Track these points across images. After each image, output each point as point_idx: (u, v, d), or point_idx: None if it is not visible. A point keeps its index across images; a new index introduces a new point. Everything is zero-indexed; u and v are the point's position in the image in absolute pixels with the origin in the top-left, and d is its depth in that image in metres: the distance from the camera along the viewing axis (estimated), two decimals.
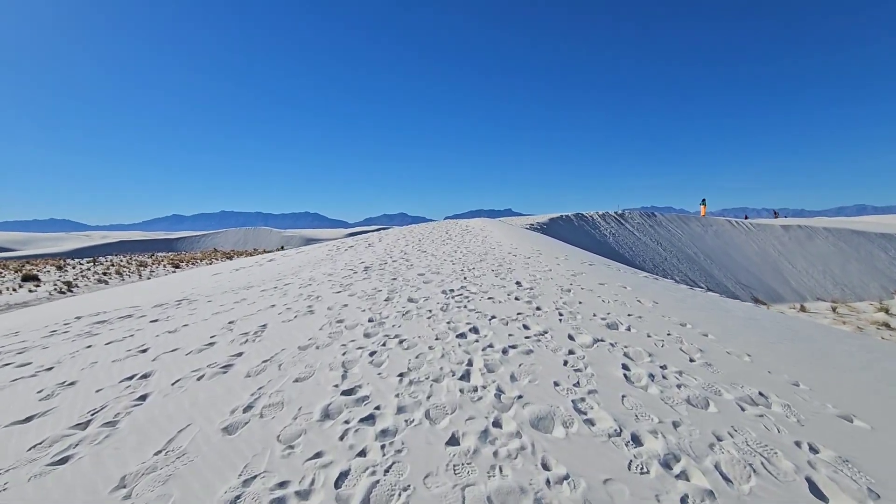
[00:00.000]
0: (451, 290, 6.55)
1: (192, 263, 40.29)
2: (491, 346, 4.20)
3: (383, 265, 8.57)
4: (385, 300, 6.17)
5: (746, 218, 48.38)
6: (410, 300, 6.13)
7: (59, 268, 37.17)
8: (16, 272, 31.51)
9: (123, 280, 29.40)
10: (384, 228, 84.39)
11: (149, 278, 27.55)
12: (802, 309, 20.78)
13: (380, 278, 7.52)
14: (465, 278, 7.29)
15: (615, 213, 36.65)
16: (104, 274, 31.95)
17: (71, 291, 24.36)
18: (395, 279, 7.41)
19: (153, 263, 40.61)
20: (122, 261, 45.14)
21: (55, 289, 24.45)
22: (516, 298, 6.06)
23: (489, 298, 6.09)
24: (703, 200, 41.29)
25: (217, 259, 43.71)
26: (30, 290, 23.75)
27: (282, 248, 53.52)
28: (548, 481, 2.25)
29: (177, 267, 37.23)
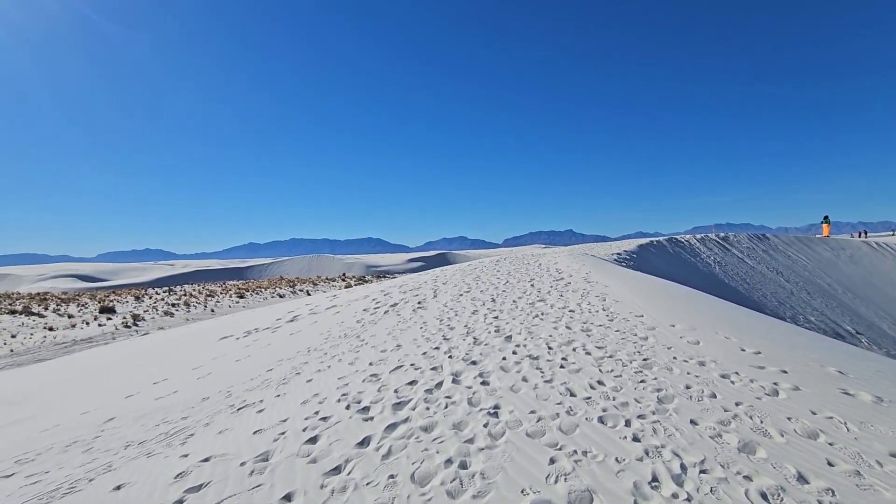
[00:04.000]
0: None
1: (257, 292, 40.47)
2: None
3: (437, 371, 4.65)
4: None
5: (867, 234, 40.41)
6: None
7: (138, 298, 38.29)
8: (99, 302, 32.64)
9: (189, 311, 29.15)
10: (443, 254, 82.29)
11: (212, 311, 26.87)
12: None
13: (441, 415, 4.16)
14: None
15: (717, 236, 31.29)
16: (172, 305, 32.07)
17: (136, 325, 23.95)
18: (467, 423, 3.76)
19: (222, 293, 41.21)
20: (194, 290, 46.54)
21: (123, 322, 24.09)
22: None
23: None
24: (826, 218, 34.47)
25: (281, 287, 43.87)
26: (99, 324, 23.56)
27: (343, 275, 52.92)
28: None
29: (241, 297, 37.20)
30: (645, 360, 4.02)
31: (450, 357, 4.74)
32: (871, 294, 25.75)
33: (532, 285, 8.72)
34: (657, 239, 29.24)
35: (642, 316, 5.56)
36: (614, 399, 3.29)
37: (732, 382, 3.46)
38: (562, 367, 4.01)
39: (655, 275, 13.02)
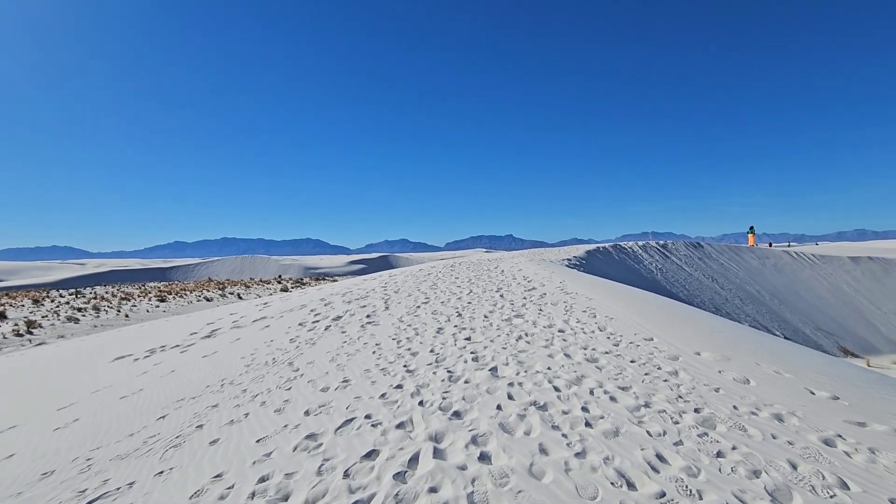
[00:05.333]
0: None
1: (182, 295, 36.41)
2: None
3: (407, 432, 3.27)
4: None
5: (770, 245, 43.73)
6: None
7: (37, 301, 33.20)
8: None
9: (98, 316, 25.39)
10: (385, 256, 79.96)
11: (126, 316, 23.45)
12: None
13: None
14: None
15: (657, 243, 32.20)
16: (79, 310, 27.90)
17: (31, 333, 20.28)
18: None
19: (140, 296, 36.74)
20: (107, 292, 41.25)
21: (14, 330, 20.28)
22: None
23: None
24: (752, 228, 36.78)
25: (209, 289, 39.84)
26: None
27: (279, 277, 49.32)
28: None
29: (162, 300, 33.28)
30: (698, 412, 2.91)
31: (420, 404, 3.40)
32: (794, 301, 27.50)
33: (501, 296, 7.55)
34: (603, 245, 29.50)
35: (652, 339, 4.55)
36: (699, 496, 2.11)
37: (849, 456, 2.41)
38: (588, 424, 2.82)
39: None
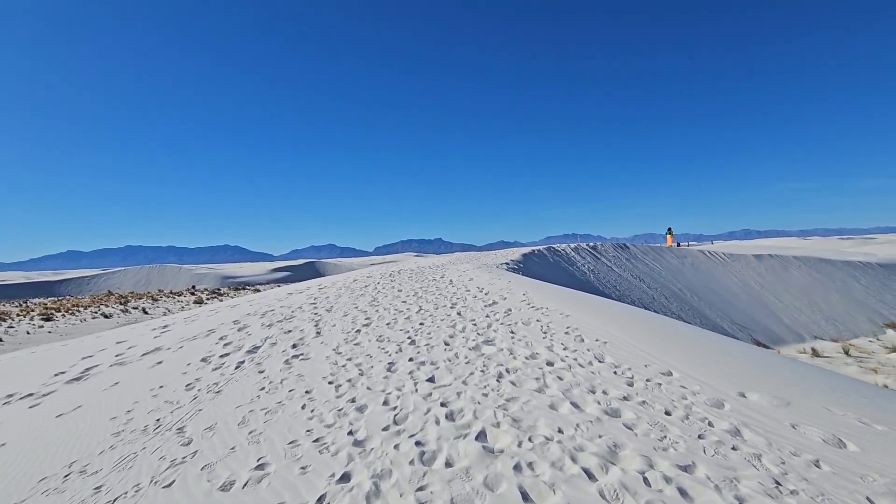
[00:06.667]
0: None
1: (74, 312, 31.20)
2: None
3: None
4: None
5: (679, 245, 47.03)
6: None
7: None
8: None
9: None
10: (311, 262, 75.74)
11: (0, 339, 19.22)
12: (815, 353, 17.99)
13: None
14: None
15: (587, 245, 33.00)
16: None
17: None
18: None
19: (20, 314, 30.91)
20: None
21: None
22: None
23: None
24: (670, 229, 39.05)
25: (109, 304, 34.55)
26: None
27: (192, 288, 44.38)
28: None
29: (48, 319, 28.19)
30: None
31: None
32: (711, 297, 29.39)
33: (459, 314, 6.39)
34: (538, 249, 29.59)
35: (671, 374, 3.61)
36: None
37: None
38: None
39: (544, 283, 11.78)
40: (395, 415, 3.35)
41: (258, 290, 42.08)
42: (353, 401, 3.75)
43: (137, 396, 5.00)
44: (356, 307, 7.85)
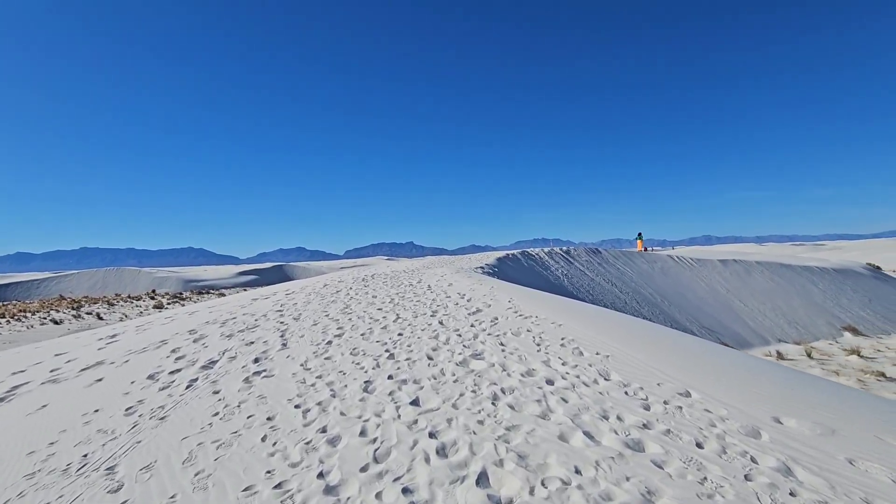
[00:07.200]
0: None
1: (20, 317, 28.81)
2: None
3: None
4: None
5: (647, 249, 47.94)
6: None
7: None
8: None
9: None
10: (279, 266, 73.36)
11: None
12: (780, 356, 18.51)
13: None
14: None
15: (561, 249, 33.12)
16: None
17: None
18: None
19: None
20: None
21: None
22: None
23: None
24: (640, 234, 39.62)
25: (60, 309, 32.15)
26: None
27: (152, 292, 42.04)
28: None
29: None
30: None
31: None
32: (680, 302, 29.95)
33: (441, 322, 5.87)
34: (512, 253, 29.44)
35: (689, 395, 3.19)
36: None
37: None
38: None
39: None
40: (376, 449, 2.81)
41: (223, 295, 40.26)
42: (323, 430, 3.18)
43: (66, 423, 4.24)
44: (327, 315, 7.21)
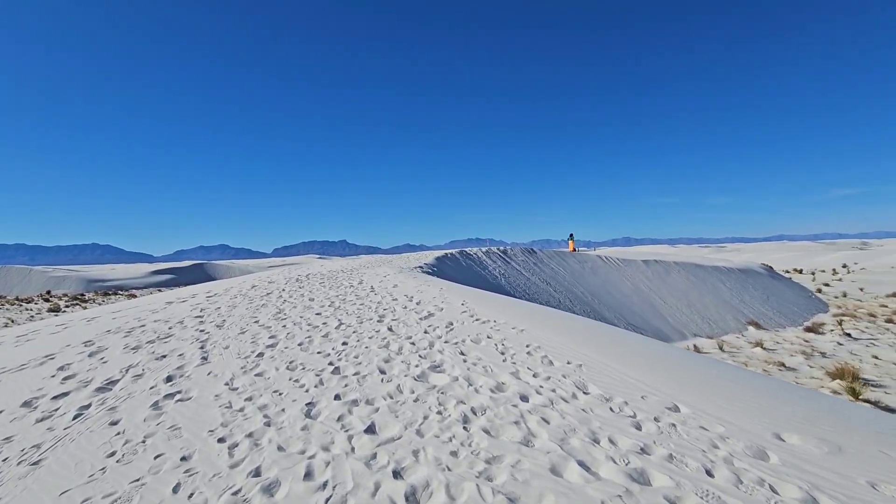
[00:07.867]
0: None
1: None
2: None
3: None
4: None
5: (581, 250, 50.49)
6: None
7: None
8: None
9: None
10: (200, 264, 68.07)
11: None
12: (696, 350, 20.13)
13: None
14: None
15: (498, 249, 33.55)
16: None
17: None
18: None
19: None
20: None
21: None
22: None
23: None
24: (571, 235, 41.30)
25: None
26: None
27: (47, 293, 36.90)
28: None
29: None
30: None
31: None
32: (608, 300, 31.50)
33: (390, 329, 5.30)
34: (451, 252, 29.29)
35: (679, 409, 2.93)
36: None
37: None
38: None
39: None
40: (328, 499, 2.22)
41: (134, 296, 36.27)
42: (257, 473, 2.53)
43: None
44: (257, 321, 6.36)
